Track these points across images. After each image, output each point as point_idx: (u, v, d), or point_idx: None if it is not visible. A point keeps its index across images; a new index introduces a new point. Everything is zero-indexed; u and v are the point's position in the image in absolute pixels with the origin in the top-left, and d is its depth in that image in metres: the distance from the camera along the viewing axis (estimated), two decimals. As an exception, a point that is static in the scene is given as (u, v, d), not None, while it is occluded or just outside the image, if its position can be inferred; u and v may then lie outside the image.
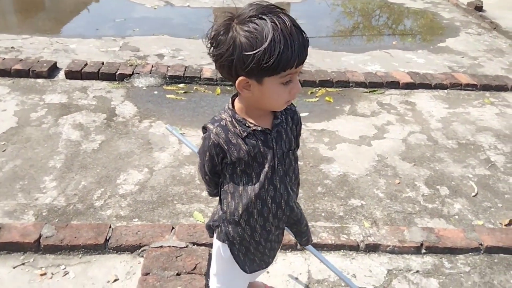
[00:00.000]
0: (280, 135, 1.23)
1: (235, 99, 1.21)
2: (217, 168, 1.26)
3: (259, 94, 1.10)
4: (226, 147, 1.18)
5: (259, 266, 1.41)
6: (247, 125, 1.18)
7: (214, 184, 1.34)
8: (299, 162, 2.38)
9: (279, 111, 1.23)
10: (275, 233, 1.36)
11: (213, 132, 1.18)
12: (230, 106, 1.20)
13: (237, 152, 1.18)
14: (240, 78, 1.08)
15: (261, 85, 1.08)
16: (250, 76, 1.07)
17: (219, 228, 1.35)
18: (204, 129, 1.23)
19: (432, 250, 2.14)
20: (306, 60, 1.09)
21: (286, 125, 1.25)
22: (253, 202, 1.25)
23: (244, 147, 1.18)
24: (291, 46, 1.01)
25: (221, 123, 1.19)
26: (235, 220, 1.29)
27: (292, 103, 1.29)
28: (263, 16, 1.02)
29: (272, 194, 1.26)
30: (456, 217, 2.44)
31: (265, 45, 1.00)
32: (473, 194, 2.63)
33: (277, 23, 1.01)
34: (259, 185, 1.23)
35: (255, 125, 1.18)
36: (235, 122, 1.18)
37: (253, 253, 1.36)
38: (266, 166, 1.21)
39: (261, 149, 1.20)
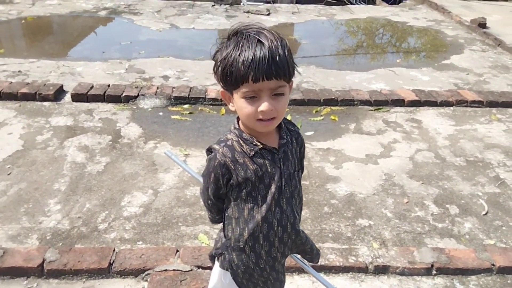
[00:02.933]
0: (287, 156, 1.22)
1: (239, 119, 1.21)
2: (222, 191, 1.23)
3: (237, 108, 1.14)
4: (232, 167, 1.16)
5: None
6: (254, 143, 1.17)
7: (217, 210, 1.30)
8: (305, 182, 2.36)
9: (284, 131, 1.22)
10: (281, 261, 1.33)
11: (219, 152, 1.17)
12: (236, 126, 1.20)
13: (244, 172, 1.16)
14: (221, 89, 1.16)
15: (234, 99, 1.13)
16: (226, 88, 1.14)
17: (223, 256, 1.31)
18: (209, 151, 1.22)
19: (443, 271, 2.09)
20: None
21: (292, 146, 1.25)
22: (260, 226, 1.22)
23: (251, 167, 1.16)
24: (245, 60, 1.04)
25: (227, 143, 1.18)
26: (240, 246, 1.25)
27: (295, 125, 1.29)
28: (238, 33, 1.09)
29: (278, 217, 1.23)
30: (467, 236, 2.39)
31: (221, 57, 1.09)
32: (484, 212, 2.58)
33: (242, 37, 1.07)
34: (266, 207, 1.20)
35: (262, 144, 1.17)
36: (241, 142, 1.17)
37: (256, 279, 1.32)
38: (273, 187, 1.19)
39: (269, 169, 1.18)
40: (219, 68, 1.10)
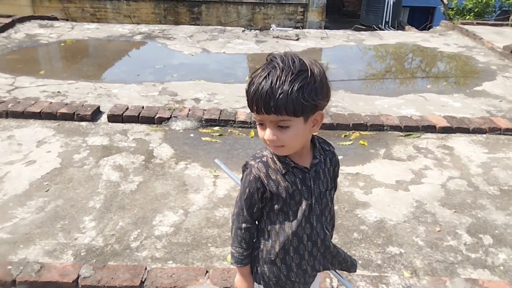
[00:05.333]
0: (318, 175, 1.27)
1: None
2: (256, 207, 1.27)
3: None
4: (266, 181, 1.22)
5: None
6: (287, 162, 1.22)
7: (249, 238, 1.31)
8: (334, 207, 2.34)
9: (317, 151, 1.27)
10: (312, 274, 1.36)
11: (255, 167, 1.23)
12: None
13: (276, 188, 1.22)
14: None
15: None
16: None
17: (255, 268, 1.35)
18: (245, 166, 1.27)
19: (478, 303, 2.03)
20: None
21: (325, 166, 1.29)
22: (290, 239, 1.26)
23: (283, 184, 1.22)
24: (251, 92, 1.12)
25: (263, 159, 1.24)
26: (271, 259, 1.30)
27: (330, 145, 1.34)
28: (268, 59, 1.14)
29: (308, 232, 1.28)
30: (501, 268, 2.32)
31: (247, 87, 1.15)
32: (520, 244, 2.50)
33: (266, 64, 1.13)
34: (296, 223, 1.25)
35: (295, 163, 1.22)
36: (275, 159, 1.23)
37: None
38: (304, 204, 1.24)
39: (299, 187, 1.23)
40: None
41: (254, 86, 1.11)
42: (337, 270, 1.53)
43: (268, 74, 1.09)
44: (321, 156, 1.28)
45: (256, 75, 1.12)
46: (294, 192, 1.23)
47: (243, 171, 1.28)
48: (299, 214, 1.25)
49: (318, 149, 1.28)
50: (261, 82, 1.09)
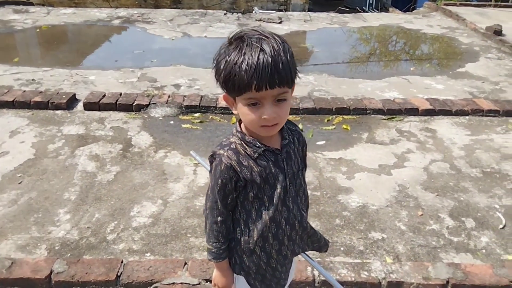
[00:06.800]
0: (290, 156, 1.24)
1: (241, 122, 1.20)
2: (231, 197, 1.21)
3: (240, 113, 1.13)
4: (238, 169, 1.16)
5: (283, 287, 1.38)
6: (257, 145, 1.17)
7: (226, 231, 1.26)
8: (316, 193, 2.31)
9: (286, 131, 1.23)
10: (291, 259, 1.35)
11: (225, 155, 1.17)
12: (238, 129, 1.20)
13: (249, 174, 1.17)
14: (224, 94, 1.15)
15: (237, 104, 1.13)
16: (228, 94, 1.13)
17: (233, 259, 1.30)
18: (212, 157, 1.20)
19: (459, 288, 2.02)
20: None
21: (294, 146, 1.26)
22: (268, 226, 1.23)
23: (256, 169, 1.17)
24: (247, 69, 1.02)
25: (231, 146, 1.18)
26: (250, 248, 1.26)
27: (296, 125, 1.31)
28: (240, 39, 1.06)
29: (286, 216, 1.25)
30: (484, 251, 2.31)
31: (224, 63, 1.06)
32: (501, 226, 2.50)
33: (244, 44, 1.04)
34: (273, 208, 1.22)
35: (265, 146, 1.18)
36: (245, 144, 1.18)
37: (269, 279, 1.32)
38: (278, 187, 1.21)
39: (272, 170, 1.19)
40: (222, 74, 1.09)
41: (247, 64, 1.02)
42: (308, 252, 1.49)
43: (261, 50, 1.02)
44: (290, 137, 1.25)
45: (241, 55, 1.03)
46: (268, 176, 1.19)
47: (211, 162, 1.21)
48: (275, 198, 1.21)
49: (285, 130, 1.24)
50: (258, 57, 1.02)
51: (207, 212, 1.26)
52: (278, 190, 1.21)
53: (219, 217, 1.24)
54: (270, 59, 1.02)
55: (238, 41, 1.07)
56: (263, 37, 1.06)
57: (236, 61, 1.04)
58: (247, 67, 1.02)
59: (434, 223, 2.50)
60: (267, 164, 1.18)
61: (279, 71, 1.03)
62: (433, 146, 3.34)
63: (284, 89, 1.07)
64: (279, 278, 1.33)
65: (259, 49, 1.03)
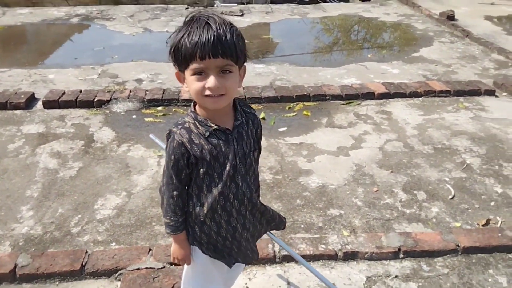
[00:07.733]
0: (241, 136, 1.30)
1: (196, 104, 1.27)
2: (184, 172, 1.28)
3: (188, 86, 1.21)
4: (189, 146, 1.23)
5: (236, 259, 1.44)
6: (208, 125, 1.24)
7: (182, 204, 1.33)
8: (278, 176, 2.41)
9: (239, 113, 1.30)
10: (242, 233, 1.40)
11: (177, 133, 1.24)
12: (192, 109, 1.28)
13: (200, 152, 1.24)
14: (176, 71, 1.24)
15: (186, 78, 1.21)
16: (179, 69, 1.22)
17: (186, 230, 1.38)
18: (168, 134, 1.28)
19: (410, 254, 2.16)
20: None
21: (247, 127, 1.33)
22: (217, 199, 1.30)
23: (206, 147, 1.24)
24: (192, 40, 1.12)
25: (185, 125, 1.25)
26: (201, 220, 1.34)
27: (251, 107, 1.37)
28: (192, 18, 1.16)
29: (234, 191, 1.32)
30: (434, 220, 2.46)
31: (174, 40, 1.17)
32: (450, 197, 2.66)
33: (193, 22, 1.15)
34: (222, 184, 1.29)
35: (216, 125, 1.24)
36: (197, 123, 1.24)
37: (220, 250, 1.40)
38: (228, 165, 1.27)
39: (223, 149, 1.26)
40: (172, 49, 1.18)
41: (193, 36, 1.12)
42: (271, 232, 1.60)
43: (207, 24, 1.13)
44: (243, 118, 1.31)
45: (188, 30, 1.14)
46: (218, 154, 1.25)
47: (167, 139, 1.28)
48: (224, 175, 1.27)
49: (239, 111, 1.31)
50: (203, 30, 1.12)
51: (164, 187, 1.33)
52: (227, 168, 1.27)
53: (175, 192, 1.31)
54: (215, 32, 1.12)
55: (189, 21, 1.17)
56: (211, 16, 1.16)
57: (184, 34, 1.15)
58: (192, 39, 1.12)
59: (388, 197, 2.64)
60: (217, 143, 1.25)
61: (222, 42, 1.12)
62: (388, 127, 3.49)
63: (227, 61, 1.15)
64: (230, 249, 1.40)
65: (205, 24, 1.13)
